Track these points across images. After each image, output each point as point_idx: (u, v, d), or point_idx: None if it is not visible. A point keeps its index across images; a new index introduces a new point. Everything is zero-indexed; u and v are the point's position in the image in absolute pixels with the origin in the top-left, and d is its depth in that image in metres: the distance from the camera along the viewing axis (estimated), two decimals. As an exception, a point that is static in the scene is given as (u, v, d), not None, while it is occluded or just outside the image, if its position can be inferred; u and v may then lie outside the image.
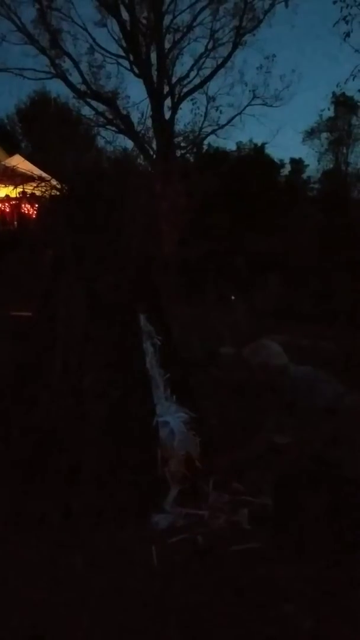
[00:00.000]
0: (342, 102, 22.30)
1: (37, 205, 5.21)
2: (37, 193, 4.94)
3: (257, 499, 3.78)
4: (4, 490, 3.57)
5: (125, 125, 19.10)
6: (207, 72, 19.36)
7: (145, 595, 2.78)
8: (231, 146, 22.88)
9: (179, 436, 4.01)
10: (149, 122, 18.78)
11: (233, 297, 11.75)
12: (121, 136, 19.44)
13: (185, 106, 19.36)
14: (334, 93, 22.36)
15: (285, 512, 3.02)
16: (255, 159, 19.40)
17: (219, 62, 19.11)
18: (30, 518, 3.37)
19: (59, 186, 4.54)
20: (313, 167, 24.54)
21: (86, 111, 20.05)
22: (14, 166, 7.17)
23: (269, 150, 20.82)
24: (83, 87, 19.41)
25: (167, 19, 18.44)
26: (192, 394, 4.35)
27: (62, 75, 19.22)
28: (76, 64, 19.05)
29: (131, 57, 18.88)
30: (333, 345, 7.76)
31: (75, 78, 19.30)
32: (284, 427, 3.25)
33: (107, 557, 3.11)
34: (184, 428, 4.06)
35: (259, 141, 20.95)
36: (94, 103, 19.64)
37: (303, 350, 6.88)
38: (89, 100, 19.60)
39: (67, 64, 19.10)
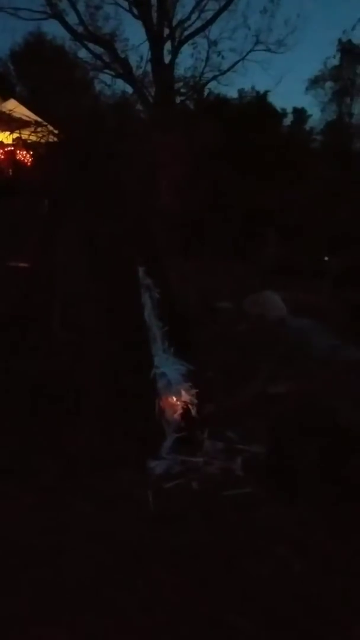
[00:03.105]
0: (348, 50, 21.51)
1: (32, 152, 5.07)
2: (33, 138, 4.79)
3: (251, 447, 3.88)
4: (2, 438, 3.64)
5: (123, 70, 18.42)
6: (209, 15, 18.52)
7: (140, 536, 2.88)
8: (233, 93, 22.14)
9: (176, 387, 4.07)
10: (148, 67, 18.14)
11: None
12: (119, 82, 18.80)
13: (186, 50, 18.62)
14: (339, 40, 21.56)
15: (279, 459, 3.10)
16: (258, 107, 18.77)
17: (222, 5, 18.27)
18: (29, 465, 3.45)
19: (55, 131, 4.41)
20: (316, 118, 23.79)
21: (83, 54, 19.29)
22: (9, 110, 6.92)
23: (271, 98, 20.17)
24: (80, 29, 18.59)
25: None
26: (189, 346, 4.38)
27: (59, 16, 18.35)
28: (73, 4, 18.16)
29: (130, -3, 17.99)
30: (330, 300, 7.77)
31: (72, 19, 18.46)
32: (280, 377, 3.29)
33: (104, 501, 3.20)
34: (181, 379, 4.12)
35: (261, 89, 20.26)
36: (91, 46, 18.87)
37: (301, 304, 6.90)
38: (86, 42, 18.82)
39: (63, 3, 18.22)
